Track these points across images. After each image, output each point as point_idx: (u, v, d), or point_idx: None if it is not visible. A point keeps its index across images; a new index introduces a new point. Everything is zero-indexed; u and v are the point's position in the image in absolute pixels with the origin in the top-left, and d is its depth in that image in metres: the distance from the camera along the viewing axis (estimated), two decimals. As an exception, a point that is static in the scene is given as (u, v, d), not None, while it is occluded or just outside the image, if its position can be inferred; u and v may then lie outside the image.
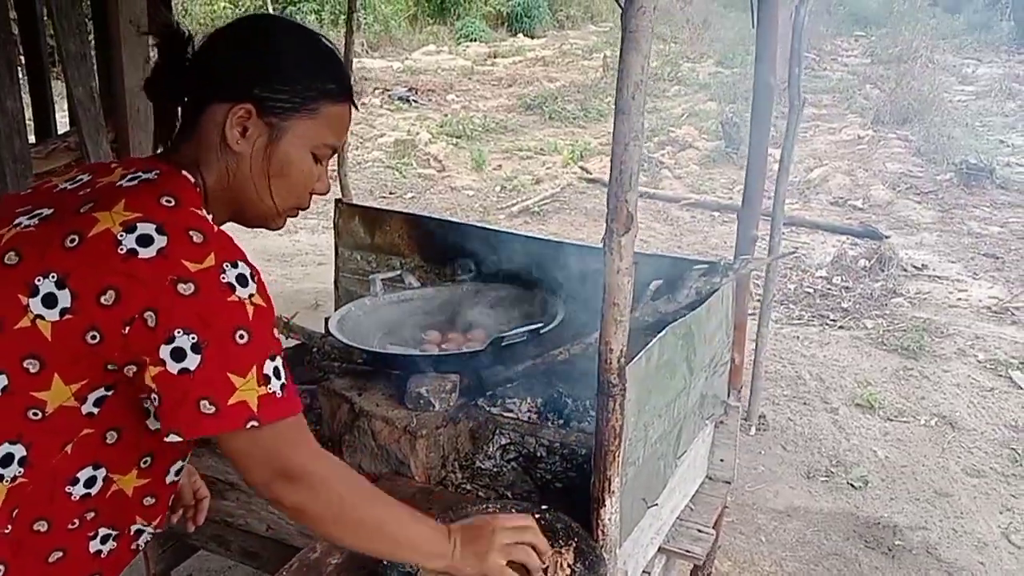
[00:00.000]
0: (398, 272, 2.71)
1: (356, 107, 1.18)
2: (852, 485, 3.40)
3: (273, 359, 0.97)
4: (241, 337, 0.93)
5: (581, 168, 7.73)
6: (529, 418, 1.99)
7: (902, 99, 9.98)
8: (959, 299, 5.12)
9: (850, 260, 5.54)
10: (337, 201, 3.17)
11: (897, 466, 3.53)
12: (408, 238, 2.91)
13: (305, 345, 2.26)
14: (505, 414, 2.00)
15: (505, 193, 7.35)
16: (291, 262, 5.57)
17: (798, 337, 4.66)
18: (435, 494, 1.70)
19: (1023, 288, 5.19)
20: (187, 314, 0.91)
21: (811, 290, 5.26)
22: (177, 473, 1.14)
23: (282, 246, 5.92)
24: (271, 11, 12.47)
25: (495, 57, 14.13)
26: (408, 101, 10.74)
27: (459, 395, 1.95)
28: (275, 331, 1.01)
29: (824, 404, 4.00)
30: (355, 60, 14.66)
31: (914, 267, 5.52)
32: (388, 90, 11.10)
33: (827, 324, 4.85)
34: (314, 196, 1.17)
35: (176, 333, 0.90)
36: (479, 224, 2.98)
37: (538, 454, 1.93)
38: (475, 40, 15.80)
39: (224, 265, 0.94)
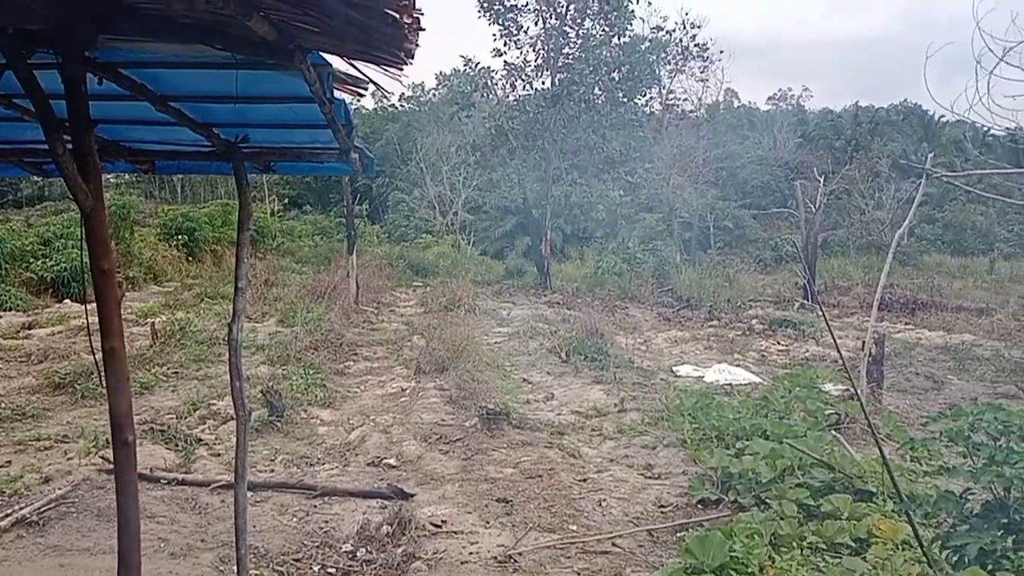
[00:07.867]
0: None
1: None
2: None
3: None
4: None
5: (103, 459, 6.96)
6: None
7: (441, 348, 11.00)
8: (471, 553, 5.36)
9: (374, 528, 5.56)
10: None
11: None
12: None
13: None
14: None
15: (3, 500, 6.25)
16: None
17: (312, 634, 4.42)
18: None
19: (526, 531, 5.65)
20: None
21: (335, 569, 5.13)
22: None
23: None
24: None
25: (31, 328, 12.77)
26: None
27: None
28: None
29: None
30: None
31: (433, 524, 5.73)
32: None
33: (346, 610, 4.71)
34: None
35: None
36: None
37: None
38: (11, 309, 14.23)
39: None
